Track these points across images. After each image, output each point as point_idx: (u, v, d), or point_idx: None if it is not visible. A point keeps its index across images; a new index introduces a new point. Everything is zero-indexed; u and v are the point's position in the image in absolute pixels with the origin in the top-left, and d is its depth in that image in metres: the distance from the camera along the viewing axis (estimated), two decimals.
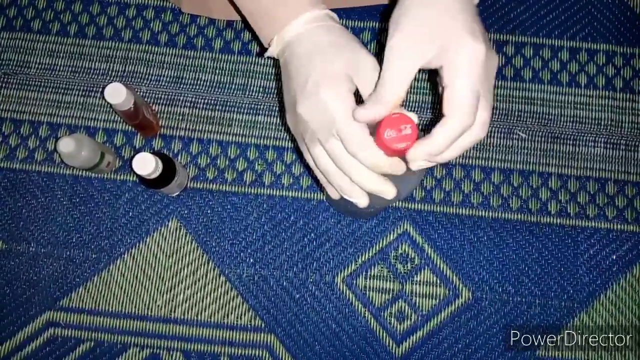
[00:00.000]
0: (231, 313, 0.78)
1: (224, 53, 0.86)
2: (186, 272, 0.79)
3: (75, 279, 0.79)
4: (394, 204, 0.81)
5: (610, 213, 0.81)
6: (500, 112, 0.84)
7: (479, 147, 0.83)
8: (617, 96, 0.85)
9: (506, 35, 0.87)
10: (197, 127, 0.83)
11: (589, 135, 0.84)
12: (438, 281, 0.79)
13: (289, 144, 0.83)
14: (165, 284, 0.79)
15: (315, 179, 0.81)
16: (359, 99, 0.46)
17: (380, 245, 0.80)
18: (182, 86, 0.84)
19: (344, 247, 0.80)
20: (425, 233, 0.80)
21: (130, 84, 0.84)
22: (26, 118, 0.83)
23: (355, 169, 0.45)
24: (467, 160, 0.83)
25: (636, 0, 0.88)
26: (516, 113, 0.84)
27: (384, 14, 0.87)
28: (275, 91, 0.85)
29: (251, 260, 0.80)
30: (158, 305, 0.78)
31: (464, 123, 0.42)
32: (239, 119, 0.84)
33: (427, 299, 0.79)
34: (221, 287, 0.79)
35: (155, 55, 0.85)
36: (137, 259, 0.79)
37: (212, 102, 0.84)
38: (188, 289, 0.79)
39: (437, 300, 0.79)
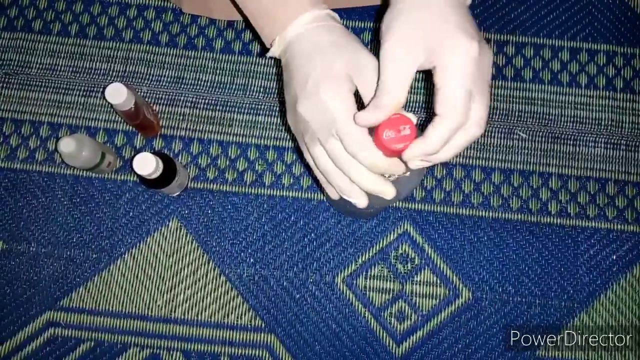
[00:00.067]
0: (231, 313, 0.78)
1: (225, 53, 0.86)
2: (186, 272, 0.79)
3: (75, 278, 0.79)
4: (394, 204, 0.81)
5: (611, 213, 0.81)
6: (501, 112, 0.84)
7: (479, 147, 0.83)
8: (617, 96, 0.85)
9: (506, 36, 0.87)
10: (198, 127, 0.83)
11: (590, 135, 0.84)
12: (438, 281, 0.79)
13: (290, 144, 0.83)
14: (165, 283, 0.79)
15: (315, 179, 0.81)
16: (359, 99, 0.46)
17: (381, 246, 0.80)
18: (182, 86, 0.84)
19: (344, 247, 0.80)
20: (425, 233, 0.80)
21: (131, 84, 0.84)
22: (27, 118, 0.83)
23: (354, 169, 0.45)
24: (467, 160, 0.83)
25: (637, 0, 0.88)
26: (516, 113, 0.84)
27: (378, 14, 0.87)
28: (276, 91, 0.85)
29: (251, 260, 0.80)
30: (158, 305, 0.78)
31: (457, 121, 0.42)
32: (239, 119, 0.84)
33: (427, 299, 0.79)
34: (221, 287, 0.79)
35: (156, 56, 0.85)
36: (137, 258, 0.79)
37: (213, 102, 0.84)
38: (188, 288, 0.79)
39: (437, 300, 0.79)
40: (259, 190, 0.82)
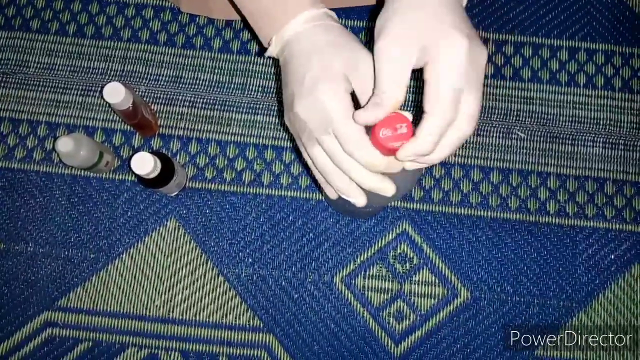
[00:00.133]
0: (230, 313, 0.78)
1: (223, 52, 0.86)
2: (184, 272, 0.79)
3: (73, 279, 0.78)
4: (393, 204, 0.81)
5: (609, 213, 0.81)
6: (499, 111, 0.84)
7: (477, 147, 0.83)
8: (615, 96, 0.85)
9: (505, 35, 0.87)
10: (196, 127, 0.83)
11: (588, 134, 0.84)
12: (437, 281, 0.79)
13: (288, 143, 0.83)
14: (163, 283, 0.79)
15: (314, 179, 0.81)
16: (355, 99, 0.46)
17: (379, 245, 0.80)
18: (181, 85, 0.84)
19: (343, 246, 0.80)
20: (424, 233, 0.80)
21: (129, 83, 0.84)
22: (25, 117, 0.83)
23: (353, 167, 0.45)
24: (465, 160, 0.83)
25: (635, 0, 0.88)
26: (515, 113, 0.84)
27: (372, 14, 0.87)
28: (274, 90, 0.85)
29: (250, 260, 0.79)
30: (156, 305, 0.78)
31: (444, 117, 0.41)
32: (237, 119, 0.84)
33: (426, 298, 0.79)
34: (220, 287, 0.79)
35: (154, 55, 0.85)
36: (135, 258, 0.79)
37: (211, 101, 0.84)
38: (186, 289, 0.79)
39: (436, 300, 0.79)
40: (258, 189, 0.82)
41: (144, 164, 0.66)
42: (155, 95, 0.84)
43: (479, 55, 0.43)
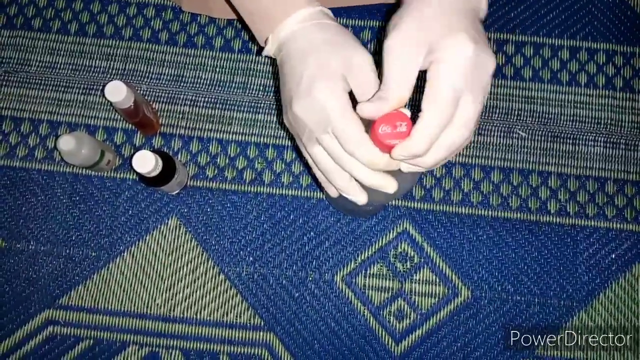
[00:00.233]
0: (230, 311, 0.78)
1: (224, 51, 0.86)
2: (185, 271, 0.79)
3: (74, 277, 0.79)
4: (394, 203, 0.81)
5: (610, 212, 0.81)
6: (500, 110, 0.84)
7: (478, 146, 0.83)
8: (617, 95, 0.85)
9: (506, 35, 0.87)
10: (197, 126, 0.83)
11: (589, 134, 0.84)
12: (437, 280, 0.79)
13: (289, 142, 0.83)
14: (164, 282, 0.79)
15: (314, 178, 0.81)
16: (354, 98, 0.46)
17: (380, 244, 0.80)
18: (182, 84, 0.84)
19: (344, 245, 0.80)
20: (424, 232, 0.80)
21: (130, 82, 0.84)
22: (26, 116, 0.83)
23: (354, 165, 0.45)
24: (466, 159, 0.83)
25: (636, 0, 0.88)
26: (516, 112, 0.84)
27: (387, 14, 0.87)
28: (275, 89, 0.85)
29: (251, 259, 0.80)
30: (157, 304, 0.78)
31: (439, 117, 0.41)
32: (239, 118, 0.84)
33: (427, 297, 0.79)
34: (220, 285, 0.79)
35: (155, 54, 0.85)
36: (136, 257, 0.79)
37: (212, 100, 0.84)
38: (187, 287, 0.79)
39: (437, 299, 0.79)
40: (259, 188, 0.82)
41: (145, 162, 0.66)
42: (157, 94, 0.84)
43: (485, 61, 0.43)
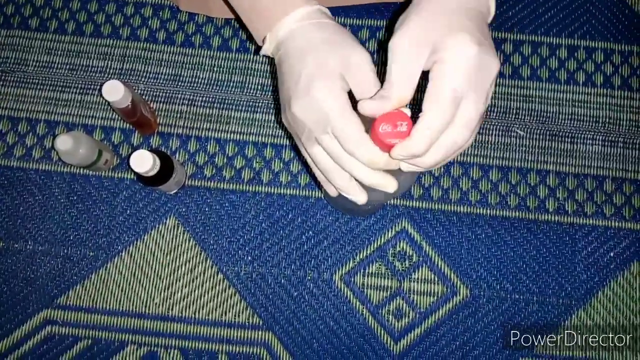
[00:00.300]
0: (229, 311, 0.78)
1: (222, 51, 0.86)
2: (184, 270, 0.79)
3: (72, 276, 0.78)
4: (392, 202, 0.81)
5: (608, 210, 0.82)
6: (499, 109, 0.84)
7: (477, 145, 0.83)
8: (615, 94, 0.85)
9: (504, 33, 0.87)
10: (195, 125, 0.83)
11: (587, 132, 0.84)
12: (436, 279, 0.79)
13: (287, 141, 0.83)
14: (162, 281, 0.79)
15: (313, 177, 0.81)
16: (353, 98, 0.46)
17: (378, 243, 0.80)
18: (180, 84, 0.84)
19: (342, 244, 0.80)
20: (423, 231, 0.80)
21: (128, 81, 0.84)
22: (24, 116, 0.83)
23: (354, 165, 0.45)
24: (465, 158, 0.83)
25: None
26: (514, 111, 0.84)
27: (394, 15, 0.87)
28: (273, 88, 0.85)
29: (249, 258, 0.79)
30: (156, 303, 0.78)
31: (439, 117, 0.41)
32: (237, 117, 0.83)
33: (425, 296, 0.79)
34: (219, 284, 0.79)
35: (153, 53, 0.85)
36: (134, 256, 0.79)
37: (210, 99, 0.84)
38: (186, 286, 0.79)
39: (435, 298, 0.79)
40: (257, 187, 0.81)
41: (143, 161, 0.66)
42: (154, 94, 0.84)
43: (488, 64, 0.43)
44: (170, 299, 0.78)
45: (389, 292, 0.79)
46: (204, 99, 0.84)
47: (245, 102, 0.84)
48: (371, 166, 0.44)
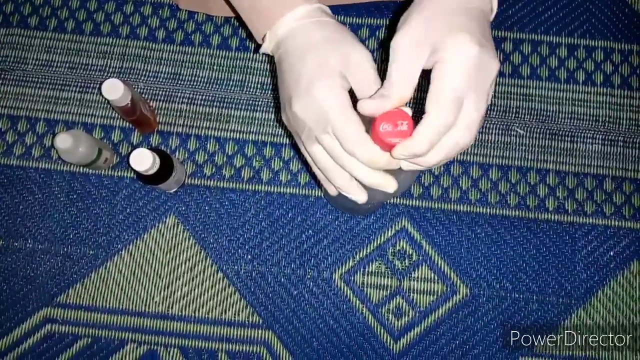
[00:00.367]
0: (229, 309, 0.78)
1: (222, 49, 0.86)
2: (184, 269, 0.79)
3: (72, 275, 0.78)
4: (392, 201, 0.81)
5: (608, 210, 0.82)
6: (498, 108, 0.84)
7: (476, 144, 0.83)
8: (615, 93, 0.85)
9: (504, 32, 0.87)
10: (195, 124, 0.83)
11: (587, 131, 0.84)
12: (436, 278, 0.79)
13: (287, 140, 0.83)
14: (162, 280, 0.79)
15: (313, 176, 0.81)
16: (352, 97, 0.46)
17: (378, 242, 0.80)
18: (179, 82, 0.84)
19: (342, 243, 0.80)
20: (423, 230, 0.80)
21: (127, 80, 0.84)
22: (23, 114, 0.83)
23: (354, 164, 0.45)
24: (465, 157, 0.83)
25: None
26: (514, 110, 0.84)
27: (395, 14, 0.87)
28: (273, 87, 0.84)
29: (249, 257, 0.79)
30: (155, 302, 0.78)
31: (442, 118, 0.41)
32: (236, 116, 0.83)
33: (425, 295, 0.79)
34: (219, 283, 0.79)
35: (152, 52, 0.85)
36: (134, 255, 0.79)
37: (210, 98, 0.84)
38: (185, 285, 0.79)
39: (435, 297, 0.79)
40: (257, 186, 0.81)
41: (143, 160, 0.66)
42: (154, 92, 0.84)
43: (488, 64, 0.43)
44: (170, 297, 0.78)
45: (388, 291, 0.79)
46: (204, 97, 0.84)
47: (245, 101, 0.84)
48: (371, 166, 0.44)
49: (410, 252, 0.80)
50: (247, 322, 0.78)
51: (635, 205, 0.82)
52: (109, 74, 0.84)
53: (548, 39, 0.87)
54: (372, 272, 0.79)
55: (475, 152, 0.83)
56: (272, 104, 0.84)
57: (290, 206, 0.81)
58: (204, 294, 0.78)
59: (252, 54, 0.86)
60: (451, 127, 0.42)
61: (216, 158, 0.82)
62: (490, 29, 0.46)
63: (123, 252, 0.79)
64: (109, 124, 0.83)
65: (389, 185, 0.45)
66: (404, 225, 0.80)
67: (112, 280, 0.79)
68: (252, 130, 0.83)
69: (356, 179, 0.46)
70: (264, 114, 0.83)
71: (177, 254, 0.79)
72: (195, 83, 0.84)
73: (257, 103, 0.84)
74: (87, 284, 0.78)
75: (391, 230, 0.80)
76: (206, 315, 0.78)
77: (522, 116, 0.84)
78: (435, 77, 0.42)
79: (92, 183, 0.81)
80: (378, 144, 0.43)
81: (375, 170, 0.45)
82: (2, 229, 0.80)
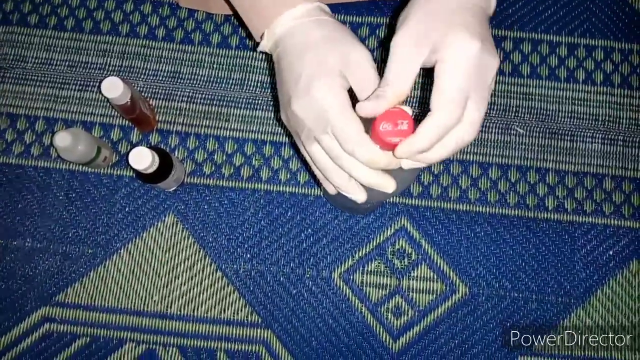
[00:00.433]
0: (228, 309, 0.78)
1: (222, 48, 0.85)
2: (183, 268, 0.79)
3: (71, 274, 0.78)
4: (391, 200, 0.81)
5: (608, 209, 0.81)
6: (498, 107, 0.84)
7: (476, 143, 0.83)
8: (615, 92, 0.85)
9: (504, 31, 0.87)
10: (195, 122, 0.83)
11: (587, 131, 0.84)
12: (435, 277, 0.79)
13: (286, 139, 0.83)
14: (161, 279, 0.79)
15: (313, 175, 0.81)
16: (352, 96, 0.46)
17: (378, 241, 0.80)
18: (179, 81, 0.84)
19: (341, 242, 0.80)
20: (422, 229, 0.80)
21: (127, 78, 0.84)
22: (22, 112, 0.83)
23: (353, 164, 0.45)
24: (464, 156, 0.83)
25: None
26: (514, 109, 0.84)
27: (394, 12, 0.87)
28: (273, 86, 0.84)
29: (248, 256, 0.79)
30: (154, 301, 0.78)
31: (448, 117, 0.41)
32: (236, 114, 0.83)
33: (424, 294, 0.79)
34: (218, 282, 0.79)
35: (152, 50, 0.85)
36: (133, 254, 0.79)
37: (210, 97, 0.84)
38: (184, 284, 0.78)
39: (434, 296, 0.79)
40: (256, 185, 0.81)
41: (142, 158, 0.66)
42: (154, 91, 0.84)
43: (489, 61, 0.43)
44: (168, 296, 0.78)
45: (388, 290, 0.79)
46: (204, 96, 0.84)
47: (244, 100, 0.84)
48: (371, 166, 0.44)
49: (410, 251, 0.80)
50: (246, 321, 0.78)
51: (634, 204, 0.82)
52: (108, 72, 0.84)
53: (548, 38, 0.87)
54: (371, 271, 0.79)
55: (475, 151, 0.83)
56: (272, 103, 0.84)
57: (290, 205, 0.81)
58: (203, 293, 0.78)
59: (252, 53, 0.85)
60: (455, 125, 0.42)
61: (215, 157, 0.82)
62: (490, 25, 0.46)
63: (122, 251, 0.79)
64: (108, 122, 0.83)
65: (388, 185, 0.45)
66: (404, 224, 0.80)
67: (111, 280, 0.79)
68: (251, 128, 0.83)
69: (355, 179, 0.46)
70: (263, 112, 0.83)
71: (176, 253, 0.79)
72: (195, 81, 0.84)
73: (256, 101, 0.84)
74: (86, 283, 0.78)
75: (390, 229, 0.80)
76: (205, 315, 0.78)
77: (522, 115, 0.84)
78: (439, 75, 0.42)
79: (91, 182, 0.81)
80: (378, 143, 0.43)
81: (375, 170, 0.45)
82: (0, 227, 0.79)
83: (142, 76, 0.84)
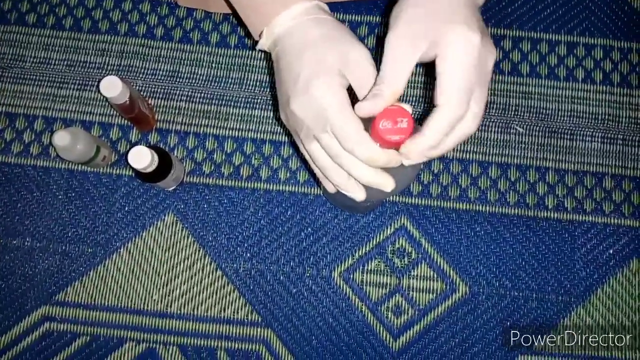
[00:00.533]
0: (228, 307, 0.78)
1: (221, 47, 0.85)
2: (182, 267, 0.79)
3: (71, 273, 0.78)
4: (391, 198, 0.81)
5: (607, 207, 0.81)
6: (498, 106, 0.84)
7: (476, 142, 0.83)
8: (614, 91, 0.85)
9: (503, 30, 0.87)
10: (194, 121, 0.83)
11: (587, 129, 0.84)
12: (435, 275, 0.79)
13: (286, 138, 0.83)
14: (161, 278, 0.79)
15: (312, 174, 0.81)
16: (352, 94, 0.46)
17: (378, 240, 0.80)
18: (178, 80, 0.84)
19: (341, 241, 0.80)
20: (422, 227, 0.80)
21: (126, 77, 0.84)
22: (21, 112, 0.83)
23: (352, 163, 0.45)
24: (464, 155, 0.83)
25: None
26: (513, 107, 0.84)
27: (387, 8, 0.87)
28: (272, 85, 0.84)
29: (248, 255, 0.79)
30: (154, 300, 0.78)
31: (456, 112, 0.41)
32: (235, 113, 0.83)
33: (424, 293, 0.79)
34: (218, 281, 0.79)
35: (151, 49, 0.85)
36: (133, 253, 0.79)
37: (209, 96, 0.84)
38: (184, 283, 0.78)
39: (434, 295, 0.79)
40: (256, 184, 0.81)
41: (141, 158, 0.66)
42: (153, 90, 0.84)
43: (488, 53, 0.43)
44: (168, 295, 0.78)
45: (388, 289, 0.79)
46: (203, 95, 0.84)
47: (243, 99, 0.84)
48: (371, 164, 0.44)
49: (410, 250, 0.80)
50: (246, 320, 0.78)
51: (634, 203, 0.82)
52: (107, 72, 0.84)
53: (547, 36, 0.87)
54: (371, 270, 0.79)
55: (475, 149, 0.83)
56: (271, 102, 0.84)
57: (289, 204, 0.81)
58: (203, 292, 0.78)
59: (251, 52, 0.85)
60: (461, 119, 0.42)
61: (215, 156, 0.82)
62: (488, 24, 0.46)
63: (122, 250, 0.79)
64: (107, 121, 0.83)
65: (387, 184, 0.45)
66: (404, 223, 0.80)
67: (111, 279, 0.78)
68: (251, 128, 0.83)
69: (354, 178, 0.46)
70: (262, 111, 0.83)
71: (175, 252, 0.79)
72: (194, 81, 0.84)
73: (256, 101, 0.84)
74: (86, 282, 0.78)
75: (390, 228, 0.80)
76: (205, 313, 0.78)
77: (522, 114, 0.84)
78: (443, 71, 0.42)
79: (90, 181, 0.81)
80: (378, 141, 0.43)
81: (374, 168, 0.45)
82: (0, 227, 0.79)
83: (141, 75, 0.84)
